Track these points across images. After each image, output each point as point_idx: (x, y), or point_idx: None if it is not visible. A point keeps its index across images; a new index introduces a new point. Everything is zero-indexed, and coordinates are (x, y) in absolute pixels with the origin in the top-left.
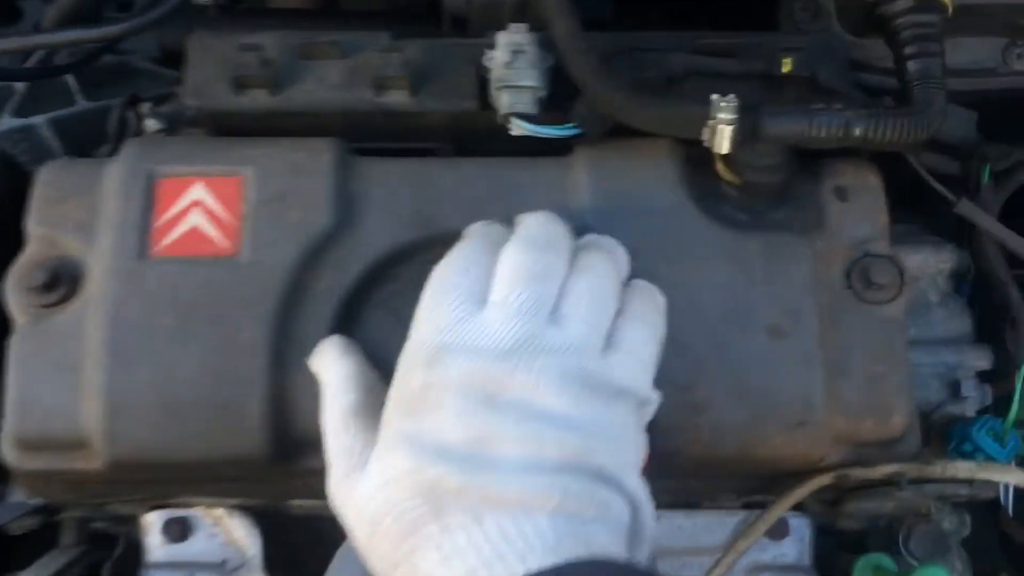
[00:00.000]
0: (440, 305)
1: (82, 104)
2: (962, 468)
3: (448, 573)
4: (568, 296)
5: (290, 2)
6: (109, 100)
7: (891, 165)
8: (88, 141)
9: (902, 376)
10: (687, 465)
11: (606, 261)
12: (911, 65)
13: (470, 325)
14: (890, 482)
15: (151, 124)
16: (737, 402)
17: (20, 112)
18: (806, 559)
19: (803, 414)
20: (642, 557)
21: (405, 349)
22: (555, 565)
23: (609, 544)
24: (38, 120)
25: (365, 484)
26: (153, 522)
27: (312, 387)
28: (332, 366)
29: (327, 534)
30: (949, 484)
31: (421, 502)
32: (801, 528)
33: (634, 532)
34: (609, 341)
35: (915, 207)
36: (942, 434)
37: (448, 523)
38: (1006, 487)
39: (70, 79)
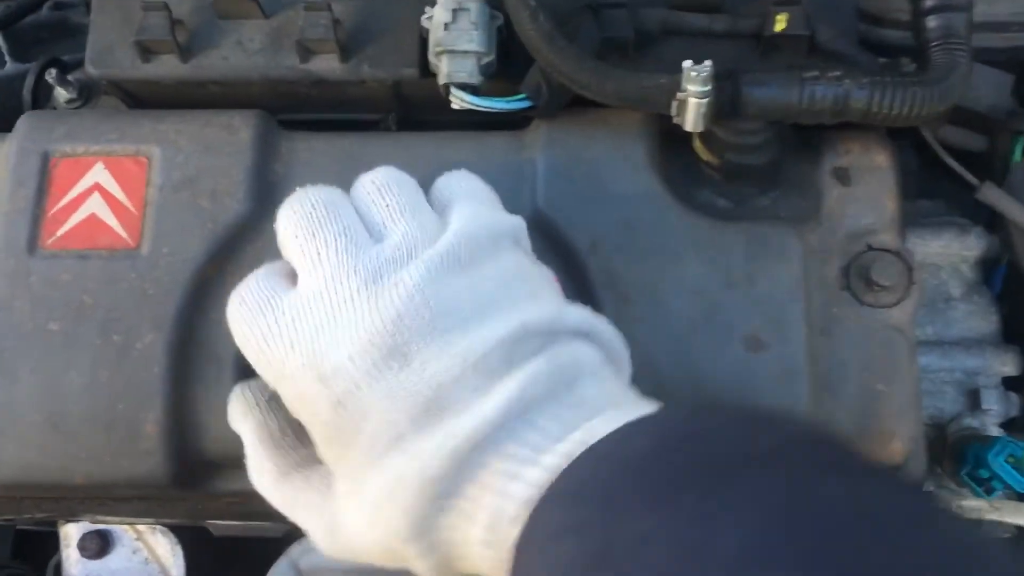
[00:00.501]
0: (269, 339)
1: (12, 66)
2: (970, 508)
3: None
4: (373, 217)
5: None
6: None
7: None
8: (12, 110)
9: (906, 395)
10: None
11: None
12: (930, 20)
13: (310, 321)
14: None
15: (61, 93)
16: None
17: None
18: None
19: None
20: (628, 374)
21: (284, 397)
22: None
23: (611, 389)
24: None
25: (364, 504)
26: (70, 534)
27: (219, 402)
28: (243, 425)
29: (253, 550)
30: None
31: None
32: None
33: (610, 359)
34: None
35: (939, 181)
36: (957, 452)
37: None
38: None
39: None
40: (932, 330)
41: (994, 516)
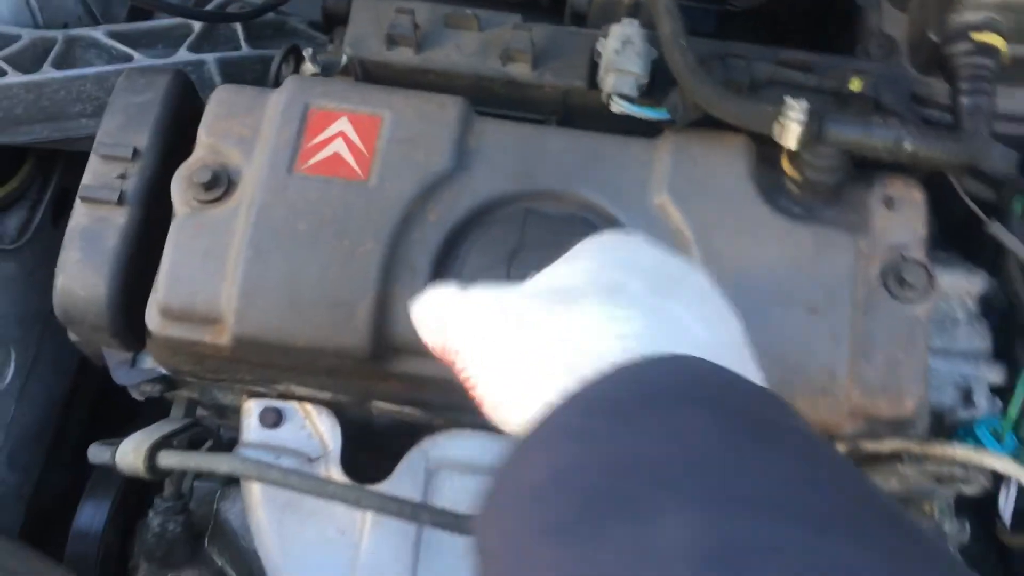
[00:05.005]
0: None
1: (246, 50)
2: (960, 451)
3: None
4: None
5: None
6: (268, 50)
7: (939, 196)
8: (245, 82)
9: (918, 366)
10: None
11: None
12: (964, 100)
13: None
14: (896, 456)
15: (309, 68)
16: (771, 364)
17: (193, 48)
18: None
19: (826, 383)
20: None
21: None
22: None
23: None
24: (208, 57)
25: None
26: (252, 408)
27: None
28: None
29: (394, 444)
30: (946, 466)
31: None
32: None
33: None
34: None
35: (956, 240)
36: (950, 433)
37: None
38: (1006, 495)
39: (238, 27)
40: (940, 343)
41: (978, 460)
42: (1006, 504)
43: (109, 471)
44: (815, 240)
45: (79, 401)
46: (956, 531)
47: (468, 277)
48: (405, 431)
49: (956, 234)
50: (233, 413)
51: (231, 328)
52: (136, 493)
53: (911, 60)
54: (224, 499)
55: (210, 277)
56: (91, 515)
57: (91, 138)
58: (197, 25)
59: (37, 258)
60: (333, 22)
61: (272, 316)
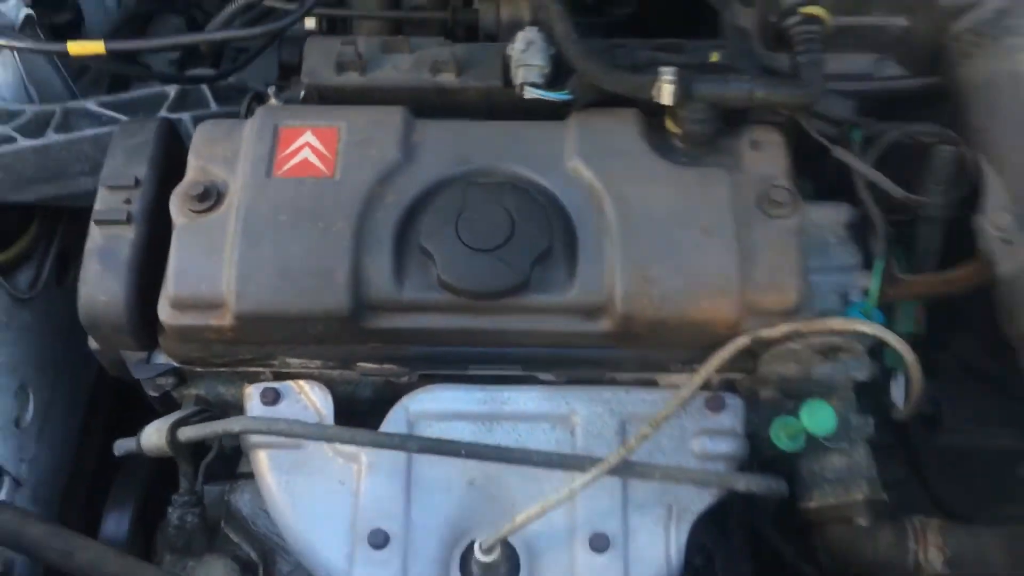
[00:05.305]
0: None
1: (215, 108)
2: (835, 322)
3: None
4: None
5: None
6: (234, 107)
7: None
8: None
9: (795, 265)
10: (643, 328)
11: None
12: (800, 58)
13: None
14: (788, 338)
15: (273, 102)
16: (677, 276)
17: (171, 110)
18: (739, 427)
19: (723, 285)
20: None
21: None
22: None
23: None
24: (184, 116)
25: None
26: (252, 392)
27: (378, 264)
28: None
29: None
30: (827, 337)
31: None
32: (735, 404)
33: None
34: None
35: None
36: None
37: None
38: (896, 382)
39: (207, 91)
40: (818, 263)
41: (850, 327)
42: (896, 389)
43: (127, 486)
44: (699, 178)
45: (91, 440)
46: (862, 424)
47: (423, 237)
48: (387, 399)
49: (812, 167)
50: (235, 409)
51: (232, 308)
52: (155, 499)
53: (760, 41)
54: (233, 492)
55: (211, 268)
56: (115, 523)
57: (89, 194)
58: (172, 91)
59: (47, 310)
60: (288, 72)
61: (266, 292)
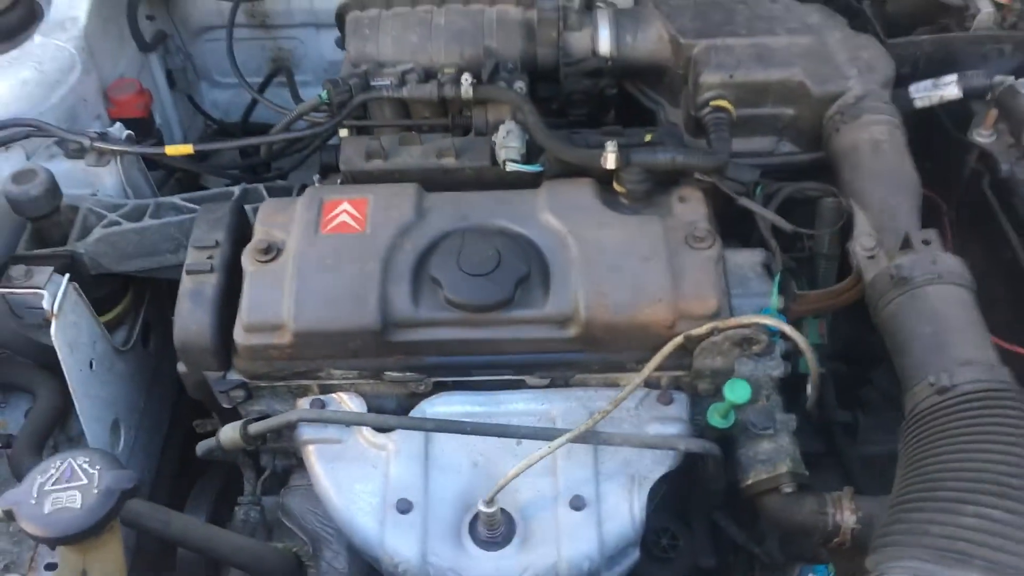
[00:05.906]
0: None
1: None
2: (744, 318)
3: None
4: None
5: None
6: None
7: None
8: None
9: (715, 281)
10: (601, 331)
11: None
12: (712, 136)
13: None
14: (710, 334)
15: (318, 186)
16: (625, 291)
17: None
18: (684, 415)
19: (660, 296)
20: None
21: None
22: None
23: None
24: (247, 208)
25: None
26: (303, 404)
27: (400, 291)
28: None
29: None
30: (739, 330)
31: None
32: (680, 398)
33: None
34: None
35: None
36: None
37: None
38: (810, 382)
39: (262, 188)
40: (740, 291)
41: (757, 320)
42: (811, 388)
43: (202, 496)
44: (640, 223)
45: (161, 481)
46: (787, 420)
47: (433, 269)
48: (407, 408)
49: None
50: (288, 429)
51: (291, 327)
52: (225, 503)
53: (686, 131)
54: (286, 495)
55: (274, 300)
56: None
57: (173, 268)
58: (237, 190)
59: (137, 365)
60: (327, 170)
61: (316, 314)
